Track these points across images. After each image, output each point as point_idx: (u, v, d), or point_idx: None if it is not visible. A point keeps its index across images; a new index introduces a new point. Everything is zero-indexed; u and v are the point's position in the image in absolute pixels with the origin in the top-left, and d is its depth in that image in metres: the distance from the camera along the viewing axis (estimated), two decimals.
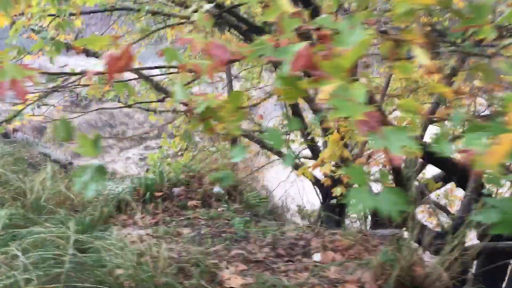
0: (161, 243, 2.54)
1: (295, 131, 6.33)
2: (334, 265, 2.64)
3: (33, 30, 4.12)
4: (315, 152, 6.14)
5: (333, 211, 5.69)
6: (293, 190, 7.44)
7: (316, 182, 6.01)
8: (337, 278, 2.53)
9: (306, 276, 2.54)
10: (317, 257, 2.76)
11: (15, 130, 11.59)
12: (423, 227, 3.65)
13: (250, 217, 3.58)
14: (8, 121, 3.52)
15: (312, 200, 7.54)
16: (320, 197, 6.52)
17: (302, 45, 1.12)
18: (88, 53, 5.43)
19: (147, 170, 6.02)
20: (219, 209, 3.61)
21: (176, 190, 3.73)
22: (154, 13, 3.69)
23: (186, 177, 3.90)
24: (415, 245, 2.78)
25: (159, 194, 3.61)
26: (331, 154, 4.48)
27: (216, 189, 3.84)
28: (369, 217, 5.20)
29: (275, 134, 1.34)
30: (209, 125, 1.38)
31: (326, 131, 4.79)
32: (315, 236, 3.02)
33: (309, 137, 6.13)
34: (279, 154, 6.32)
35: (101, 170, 1.10)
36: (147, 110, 5.56)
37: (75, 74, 1.35)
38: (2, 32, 4.17)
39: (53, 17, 3.84)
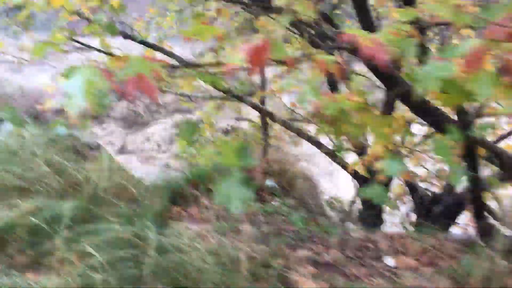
0: (225, 240, 2.43)
1: None
2: (410, 271, 2.50)
3: (78, 14, 4.01)
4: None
5: (371, 206, 5.51)
6: (326, 183, 7.26)
7: (355, 175, 5.82)
8: (415, 286, 2.38)
9: (381, 282, 2.41)
10: (390, 261, 2.61)
11: (44, 112, 11.64)
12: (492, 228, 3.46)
13: (306, 213, 3.45)
14: None
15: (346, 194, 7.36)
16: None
17: (476, 43, 0.96)
18: (125, 35, 5.29)
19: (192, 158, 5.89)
20: (274, 203, 3.49)
21: None
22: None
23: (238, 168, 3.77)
24: (493, 252, 2.62)
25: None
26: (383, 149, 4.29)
27: (269, 182, 3.71)
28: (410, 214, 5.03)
29: None
30: (340, 129, 1.24)
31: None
32: (383, 238, 2.88)
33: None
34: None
35: (246, 182, 0.97)
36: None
37: (214, 65, 1.21)
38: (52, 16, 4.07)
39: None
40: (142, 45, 4.81)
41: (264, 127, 8.21)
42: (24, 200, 2.60)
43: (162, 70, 1.09)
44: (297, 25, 4.08)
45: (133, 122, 13.19)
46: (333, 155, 4.20)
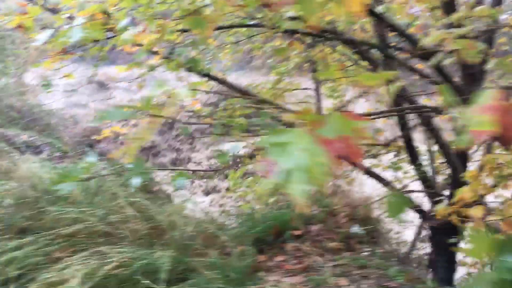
0: None
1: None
2: None
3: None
4: (428, 184, 5.55)
5: (443, 252, 5.09)
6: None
7: (425, 216, 5.40)
8: None
9: None
10: None
11: (97, 141, 11.79)
12: None
13: (398, 264, 3.14)
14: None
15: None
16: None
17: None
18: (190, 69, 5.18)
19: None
20: (364, 253, 3.20)
21: (313, 228, 3.35)
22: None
23: (320, 213, 3.51)
24: None
25: (298, 232, 3.25)
26: (473, 194, 3.94)
27: (355, 228, 3.43)
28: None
29: None
30: None
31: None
32: None
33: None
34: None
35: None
36: None
37: None
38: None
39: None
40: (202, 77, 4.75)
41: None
42: (111, 247, 2.43)
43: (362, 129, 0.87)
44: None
45: None
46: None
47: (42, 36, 1.99)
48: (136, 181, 1.34)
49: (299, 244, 3.18)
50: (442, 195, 4.47)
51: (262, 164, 0.77)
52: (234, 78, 7.38)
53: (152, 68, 3.74)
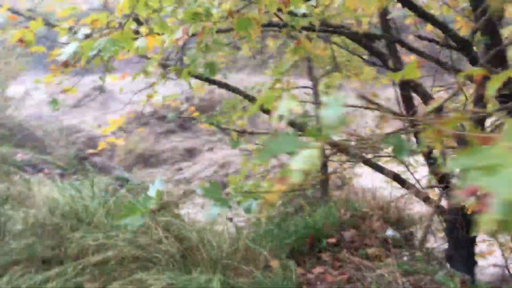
0: None
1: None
2: None
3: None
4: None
5: (461, 245, 4.95)
6: None
7: (442, 210, 5.23)
8: None
9: None
10: None
11: (91, 154, 11.49)
12: None
13: (442, 267, 2.99)
14: None
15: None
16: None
17: None
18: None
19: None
20: (404, 259, 3.04)
21: (347, 234, 3.19)
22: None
23: (350, 217, 3.35)
24: None
25: (333, 240, 3.08)
26: None
27: (390, 232, 3.27)
28: None
29: None
30: None
31: None
32: None
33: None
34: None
35: None
36: None
37: None
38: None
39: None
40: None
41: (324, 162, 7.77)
42: (148, 274, 2.23)
43: None
44: None
45: None
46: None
47: (67, 49, 1.79)
48: (213, 211, 1.14)
49: (336, 252, 3.01)
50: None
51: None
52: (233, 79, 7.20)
53: (164, 77, 3.55)
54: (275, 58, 8.44)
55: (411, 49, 3.25)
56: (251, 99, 5.28)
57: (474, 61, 2.81)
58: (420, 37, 2.92)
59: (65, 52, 1.76)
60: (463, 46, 2.80)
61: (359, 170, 7.34)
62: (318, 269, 2.85)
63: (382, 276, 2.75)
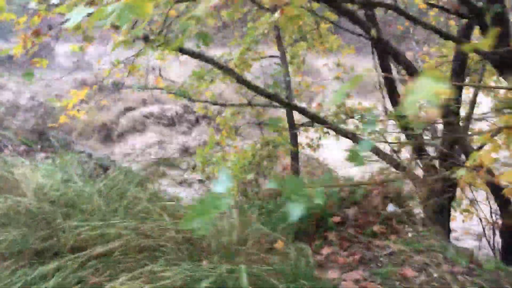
0: None
1: None
2: None
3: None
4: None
5: None
6: None
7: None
8: None
9: None
10: None
11: (51, 128, 10.87)
12: None
13: (449, 243, 2.96)
14: None
15: None
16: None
17: None
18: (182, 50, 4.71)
19: None
20: (409, 235, 2.98)
21: (349, 212, 3.09)
22: None
23: (352, 194, 3.25)
24: None
25: (337, 219, 2.97)
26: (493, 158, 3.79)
27: (390, 208, 3.20)
28: None
29: None
30: None
31: None
32: None
33: None
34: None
35: None
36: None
37: None
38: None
39: None
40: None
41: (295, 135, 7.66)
42: (159, 265, 2.04)
43: None
44: None
45: None
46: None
47: (75, 16, 1.51)
48: (295, 211, 0.96)
49: (341, 231, 2.91)
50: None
51: None
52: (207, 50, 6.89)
53: (154, 49, 3.26)
54: (236, 31, 8.19)
55: (408, 16, 3.09)
56: (226, 70, 5.06)
57: (485, 30, 2.72)
58: (431, 5, 2.79)
59: (73, 19, 1.48)
60: (476, 14, 2.69)
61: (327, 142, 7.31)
62: (325, 250, 2.74)
63: (393, 255, 2.67)
